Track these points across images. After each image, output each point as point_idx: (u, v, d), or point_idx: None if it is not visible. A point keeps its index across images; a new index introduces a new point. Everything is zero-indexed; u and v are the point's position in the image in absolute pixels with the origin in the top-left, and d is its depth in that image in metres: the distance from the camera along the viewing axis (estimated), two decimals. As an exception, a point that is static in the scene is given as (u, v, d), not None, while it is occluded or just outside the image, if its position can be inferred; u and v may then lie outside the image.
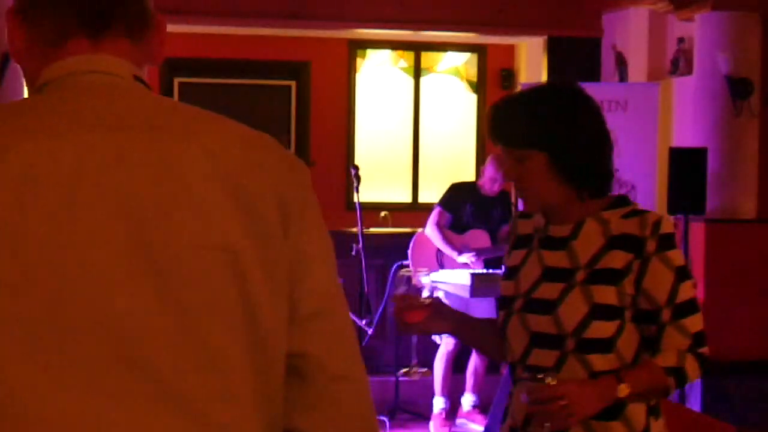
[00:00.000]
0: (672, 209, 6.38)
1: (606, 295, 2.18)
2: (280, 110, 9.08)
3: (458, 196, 6.41)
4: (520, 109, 2.28)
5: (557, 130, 2.23)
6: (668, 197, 6.38)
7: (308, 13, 8.15)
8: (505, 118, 2.28)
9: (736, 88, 6.64)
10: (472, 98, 9.52)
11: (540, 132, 2.22)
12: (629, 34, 8.08)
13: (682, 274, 2.22)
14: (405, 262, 6.49)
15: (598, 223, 2.24)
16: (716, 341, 6.85)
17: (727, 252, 6.69)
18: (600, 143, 2.29)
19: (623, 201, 2.29)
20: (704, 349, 2.37)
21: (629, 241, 2.20)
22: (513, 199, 7.13)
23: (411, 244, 6.46)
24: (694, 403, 6.47)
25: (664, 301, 2.20)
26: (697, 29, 6.92)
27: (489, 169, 6.38)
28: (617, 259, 2.19)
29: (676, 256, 2.21)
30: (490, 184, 6.36)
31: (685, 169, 6.30)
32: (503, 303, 2.36)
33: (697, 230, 6.63)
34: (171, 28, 6.90)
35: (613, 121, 7.25)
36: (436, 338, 6.17)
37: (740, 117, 6.71)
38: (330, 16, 8.20)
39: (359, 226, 6.08)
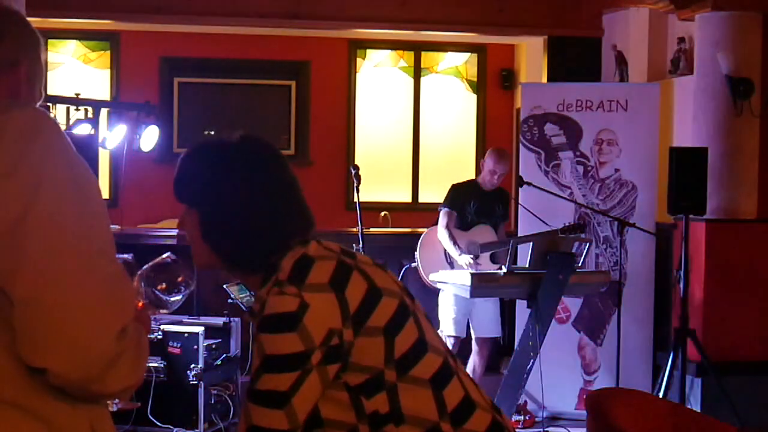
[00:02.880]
0: (672, 209, 6.38)
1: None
2: (280, 110, 9.08)
3: (461, 195, 6.46)
4: (184, 162, 2.13)
5: (213, 192, 2.07)
6: (668, 197, 6.37)
7: (308, 12, 8.15)
8: (177, 168, 2.14)
9: (737, 87, 6.64)
10: (472, 98, 9.52)
11: (190, 188, 2.10)
12: (629, 34, 8.08)
13: (272, 365, 1.96)
14: (413, 264, 6.51)
15: (260, 305, 2.04)
16: (716, 341, 6.89)
17: (727, 252, 6.69)
18: (270, 212, 2.08)
19: (272, 270, 2.04)
20: None
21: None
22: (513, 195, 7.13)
23: (419, 245, 6.47)
24: (694, 403, 6.47)
25: (250, 379, 2.02)
26: (698, 29, 6.91)
27: (488, 162, 6.45)
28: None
29: (271, 341, 1.96)
30: (490, 176, 6.43)
31: (685, 169, 6.30)
32: None
33: (697, 230, 6.62)
34: (171, 28, 6.91)
35: (613, 121, 7.30)
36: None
37: (740, 117, 6.70)
38: (330, 16, 8.20)
39: (359, 226, 6.08)
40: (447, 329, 6.22)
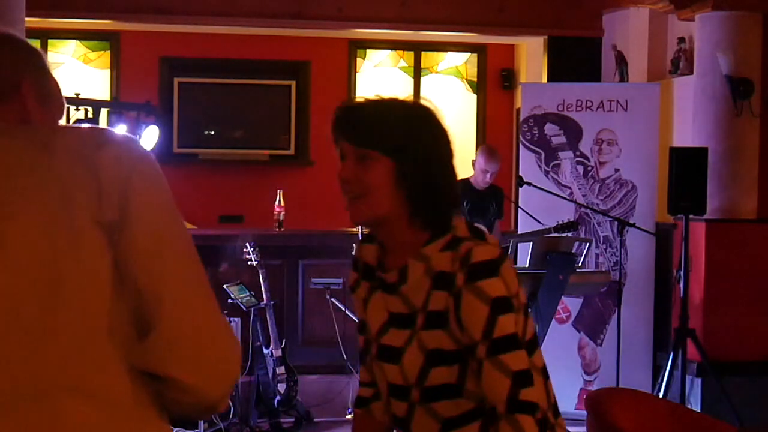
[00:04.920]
0: (672, 209, 6.38)
1: (436, 339, 2.04)
2: (280, 110, 9.08)
3: None
4: (378, 109, 2.11)
5: (415, 141, 2.06)
6: (668, 197, 6.37)
7: (308, 13, 8.15)
8: (359, 114, 2.12)
9: (737, 88, 6.64)
10: (472, 98, 9.52)
11: (395, 136, 2.06)
12: (629, 34, 8.08)
13: (500, 306, 1.99)
14: None
15: (421, 262, 2.07)
16: (716, 341, 6.88)
17: (727, 252, 6.69)
18: (452, 173, 2.13)
19: (443, 230, 2.08)
20: (526, 392, 2.00)
21: (443, 279, 2.03)
22: (511, 194, 7.11)
23: None
24: (694, 403, 6.47)
25: (479, 335, 1.99)
26: (698, 29, 6.91)
27: (479, 161, 6.43)
28: (438, 299, 2.03)
29: (491, 286, 1.99)
30: (482, 176, 6.41)
31: (685, 169, 6.30)
32: (363, 330, 2.26)
33: (697, 230, 6.62)
34: (171, 28, 6.92)
35: (613, 121, 7.29)
36: None
37: (740, 117, 6.70)
38: (330, 16, 8.20)
39: (359, 226, 6.08)
40: None
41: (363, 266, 2.24)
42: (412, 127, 2.08)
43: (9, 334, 1.49)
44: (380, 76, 9.38)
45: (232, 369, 1.60)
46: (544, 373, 2.15)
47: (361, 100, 2.17)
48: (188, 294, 1.56)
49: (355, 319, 5.95)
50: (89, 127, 1.67)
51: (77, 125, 1.73)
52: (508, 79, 9.42)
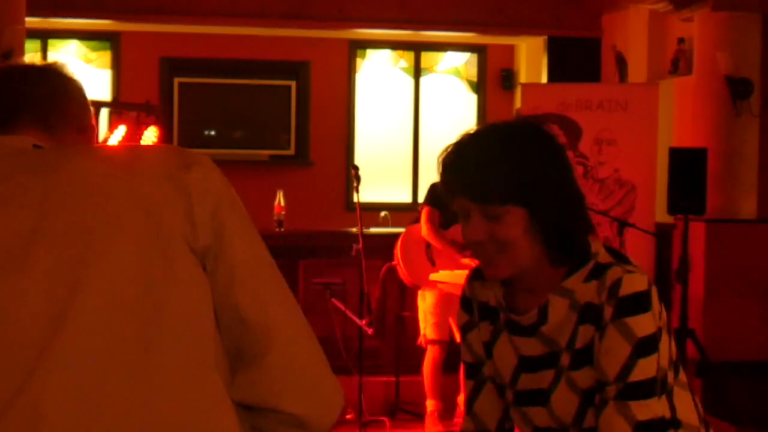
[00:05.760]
0: (672, 209, 6.38)
1: (590, 377, 1.88)
2: (280, 110, 9.08)
3: (441, 192, 6.37)
4: (493, 153, 1.88)
5: (541, 179, 1.87)
6: (668, 197, 6.38)
7: (308, 13, 8.16)
8: (476, 165, 1.88)
9: (736, 88, 6.64)
10: (472, 98, 9.52)
11: (524, 184, 1.85)
12: (629, 34, 8.08)
13: (645, 347, 1.83)
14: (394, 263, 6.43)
15: (564, 298, 1.90)
16: (716, 341, 6.88)
17: (727, 252, 6.69)
18: (578, 195, 1.94)
19: (583, 260, 1.90)
20: None
21: (591, 311, 1.86)
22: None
23: (399, 242, 6.40)
24: (694, 403, 6.47)
25: (614, 375, 1.83)
26: (697, 29, 6.92)
27: None
28: (585, 334, 1.87)
29: (640, 323, 1.83)
30: None
31: (685, 169, 6.30)
32: (474, 374, 2.07)
33: (697, 230, 6.63)
34: (171, 28, 6.93)
35: (613, 121, 7.28)
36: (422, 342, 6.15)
37: (740, 117, 6.71)
38: (330, 16, 8.21)
39: (359, 226, 6.08)
40: (429, 334, 6.02)
41: (479, 306, 2.04)
42: (534, 162, 1.89)
43: (111, 373, 1.36)
44: (380, 76, 9.39)
45: (340, 396, 1.52)
46: (690, 388, 2.02)
47: (466, 140, 1.91)
48: (292, 320, 1.49)
49: (356, 320, 5.96)
50: (172, 147, 1.56)
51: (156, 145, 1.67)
52: (508, 79, 9.42)
